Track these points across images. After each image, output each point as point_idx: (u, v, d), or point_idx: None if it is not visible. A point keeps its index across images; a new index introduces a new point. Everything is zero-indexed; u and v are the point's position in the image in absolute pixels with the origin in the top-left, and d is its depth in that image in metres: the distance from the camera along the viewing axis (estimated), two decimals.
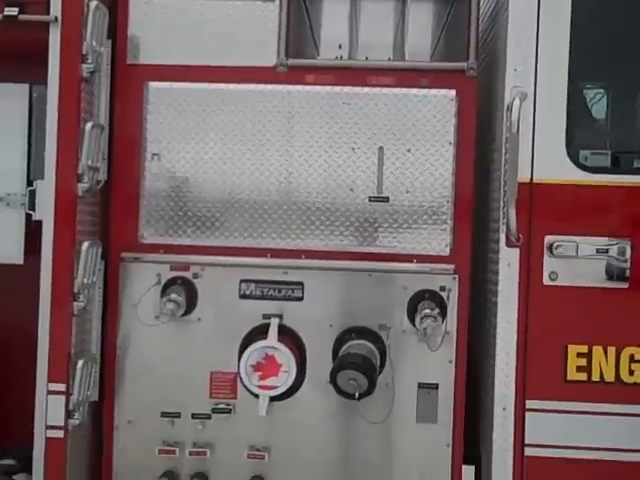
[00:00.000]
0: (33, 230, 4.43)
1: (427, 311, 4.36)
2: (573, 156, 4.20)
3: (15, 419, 4.60)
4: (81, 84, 4.23)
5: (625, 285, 4.18)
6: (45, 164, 4.25)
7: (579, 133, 4.28)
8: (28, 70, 4.33)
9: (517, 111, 4.07)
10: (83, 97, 4.25)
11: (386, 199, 4.46)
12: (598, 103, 4.64)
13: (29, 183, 4.46)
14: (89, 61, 4.21)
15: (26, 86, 4.48)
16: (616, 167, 4.23)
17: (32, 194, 4.41)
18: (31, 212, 4.43)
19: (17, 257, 4.57)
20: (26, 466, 4.44)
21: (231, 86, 4.49)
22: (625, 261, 4.16)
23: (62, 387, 4.26)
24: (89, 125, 4.26)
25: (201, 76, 4.50)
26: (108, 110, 4.48)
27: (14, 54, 4.27)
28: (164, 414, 4.54)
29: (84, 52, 4.21)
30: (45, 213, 4.28)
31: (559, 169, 4.19)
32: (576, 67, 4.17)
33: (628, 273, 4.16)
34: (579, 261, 4.20)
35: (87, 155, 4.25)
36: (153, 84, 4.52)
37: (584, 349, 4.20)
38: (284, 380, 4.40)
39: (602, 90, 4.67)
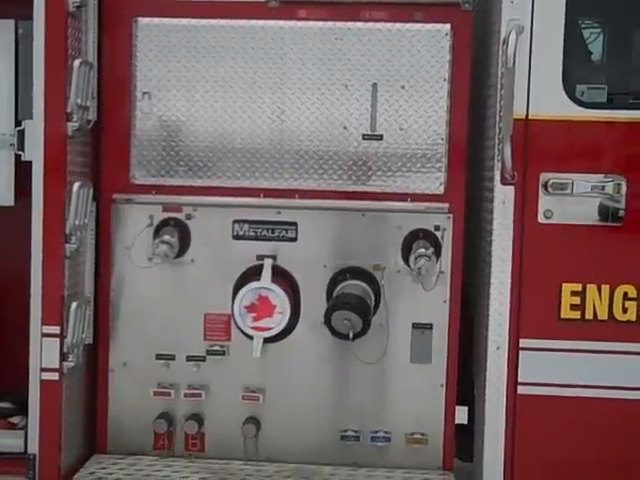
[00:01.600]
0: (24, 171, 4.37)
1: (421, 250, 4.32)
2: (569, 91, 4.12)
3: (10, 362, 4.58)
4: (67, 19, 4.13)
5: (619, 224, 4.13)
6: (33, 103, 4.18)
7: (576, 68, 4.20)
8: (13, 5, 4.22)
9: (513, 45, 3.98)
10: (70, 33, 4.16)
11: (380, 137, 4.39)
12: (595, 37, 4.55)
13: (18, 123, 4.38)
14: None
15: (11, 22, 4.37)
16: (612, 102, 4.16)
17: (21, 134, 4.33)
18: (20, 153, 4.35)
19: (7, 199, 4.51)
20: (22, 409, 4.43)
21: (222, 21, 4.39)
22: (619, 200, 4.11)
23: (56, 329, 4.24)
24: (77, 62, 4.17)
25: (191, 11, 4.40)
26: (96, 47, 4.40)
27: None
28: (159, 356, 4.54)
29: None
30: (34, 153, 4.22)
31: (555, 104, 4.11)
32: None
33: (622, 213, 4.11)
34: (574, 199, 4.15)
35: (76, 93, 4.17)
36: (142, 20, 4.42)
37: (578, 287, 4.17)
38: (278, 321, 4.38)
39: (599, 24, 4.58)
